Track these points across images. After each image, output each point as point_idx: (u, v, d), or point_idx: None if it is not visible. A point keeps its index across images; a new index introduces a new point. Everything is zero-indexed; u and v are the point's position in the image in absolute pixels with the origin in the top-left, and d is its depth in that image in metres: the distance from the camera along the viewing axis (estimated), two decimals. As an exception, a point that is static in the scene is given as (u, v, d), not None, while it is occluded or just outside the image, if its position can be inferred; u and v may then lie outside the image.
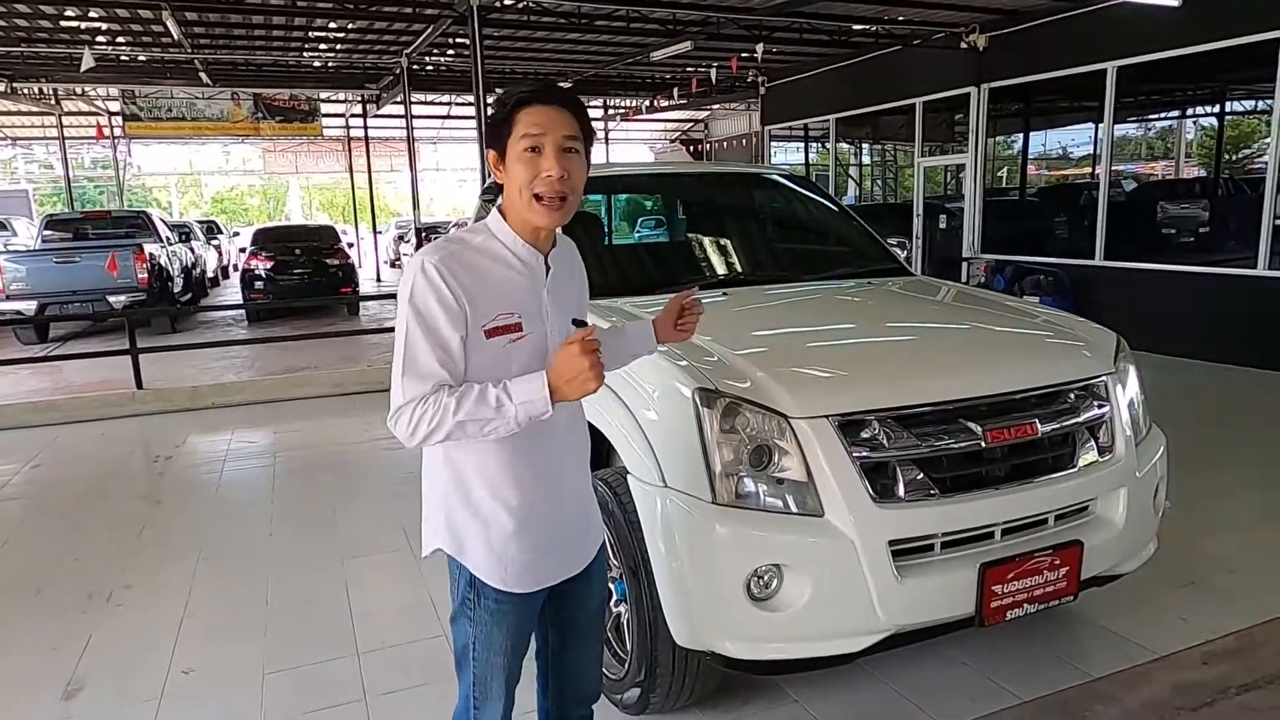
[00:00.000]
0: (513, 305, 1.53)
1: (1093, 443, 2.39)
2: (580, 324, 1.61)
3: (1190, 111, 8.88)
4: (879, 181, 13.95)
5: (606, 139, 23.28)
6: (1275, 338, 7.13)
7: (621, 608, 2.44)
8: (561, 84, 15.22)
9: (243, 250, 15.45)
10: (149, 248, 10.80)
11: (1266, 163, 7.28)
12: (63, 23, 10.56)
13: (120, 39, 11.56)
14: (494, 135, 1.55)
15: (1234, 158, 8.32)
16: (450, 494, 1.61)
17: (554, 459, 1.63)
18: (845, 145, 13.76)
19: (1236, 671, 2.68)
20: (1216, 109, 8.43)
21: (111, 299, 10.07)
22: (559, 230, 1.66)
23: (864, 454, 2.10)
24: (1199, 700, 2.53)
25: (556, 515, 1.63)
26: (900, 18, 10.19)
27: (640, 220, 8.04)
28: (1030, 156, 10.34)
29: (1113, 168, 8.76)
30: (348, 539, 3.99)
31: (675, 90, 16.43)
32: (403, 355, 1.48)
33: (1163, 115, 9.09)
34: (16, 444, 5.98)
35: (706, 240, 3.77)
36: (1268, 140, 7.36)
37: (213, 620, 3.25)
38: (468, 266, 1.51)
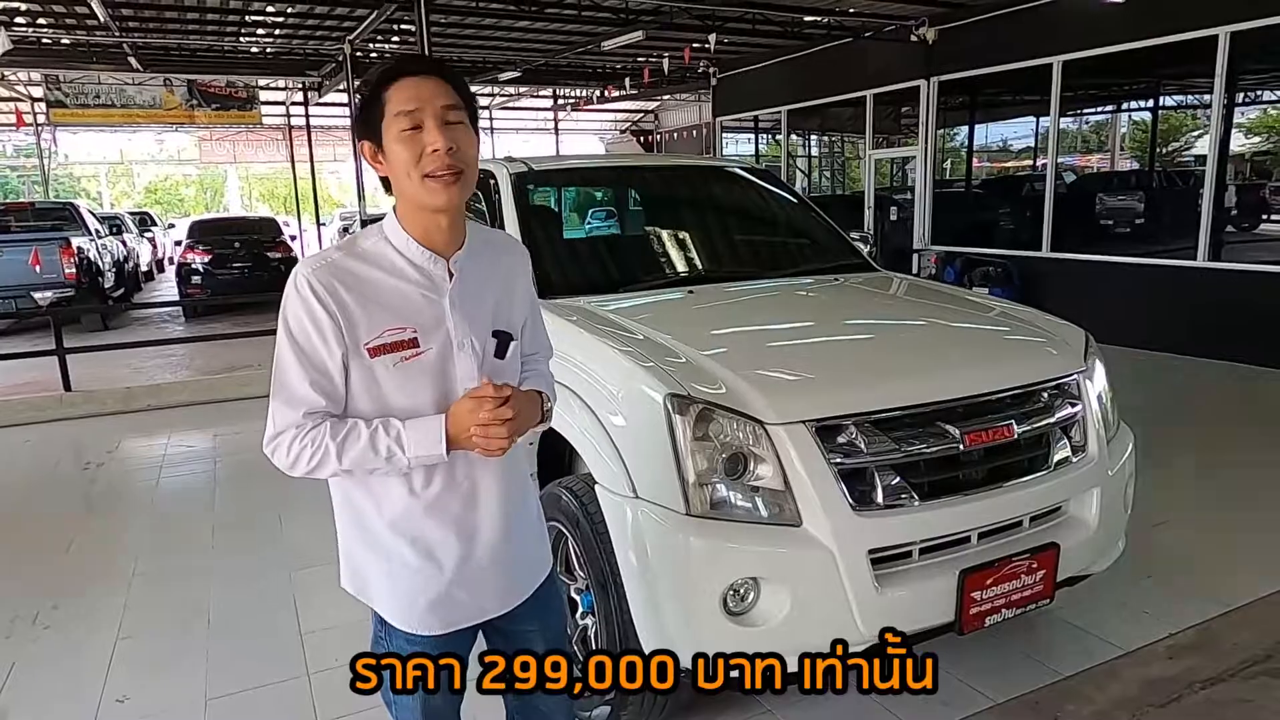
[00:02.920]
0: (406, 319, 1.35)
1: (1066, 442, 2.37)
2: (503, 336, 1.45)
3: (1133, 105, 9.09)
4: (826, 174, 14.03)
5: (556, 129, 23.09)
6: (1216, 327, 7.33)
7: (589, 620, 2.34)
8: (510, 73, 14.97)
9: (178, 243, 14.91)
10: (76, 241, 10.38)
11: (1205, 155, 7.48)
12: (-23, 2, 9.97)
13: (41, 20, 10.95)
14: (365, 123, 1.37)
15: (1166, 150, 8.56)
16: (348, 527, 1.47)
17: (467, 481, 1.44)
18: (795, 137, 13.79)
19: (1201, 665, 2.70)
20: (1159, 103, 8.64)
21: (36, 295, 9.67)
22: (480, 227, 1.51)
23: (842, 460, 2.03)
24: (1167, 696, 2.54)
25: (470, 546, 1.44)
26: (851, 9, 10.22)
27: (602, 214, 7.91)
28: (977, 149, 10.48)
29: (1059, 160, 8.92)
30: (295, 549, 3.81)
31: (627, 80, 16.29)
32: (274, 378, 1.35)
33: (1107, 109, 9.29)
34: (-68, 452, 5.61)
35: (669, 235, 3.66)
36: (1200, 134, 7.56)
37: (150, 642, 3.05)
38: (350, 278, 1.34)
